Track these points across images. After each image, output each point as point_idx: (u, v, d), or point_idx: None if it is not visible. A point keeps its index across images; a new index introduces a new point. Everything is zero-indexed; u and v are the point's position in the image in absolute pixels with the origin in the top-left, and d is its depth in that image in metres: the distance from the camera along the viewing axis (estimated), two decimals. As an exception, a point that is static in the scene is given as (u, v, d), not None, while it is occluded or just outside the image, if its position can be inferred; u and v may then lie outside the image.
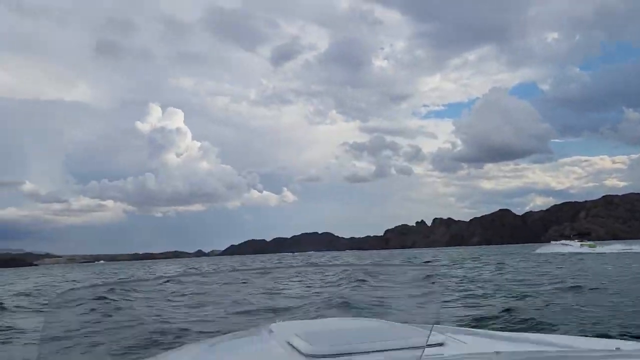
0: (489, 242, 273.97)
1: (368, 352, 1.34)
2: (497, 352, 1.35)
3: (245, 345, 1.95)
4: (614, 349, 1.41)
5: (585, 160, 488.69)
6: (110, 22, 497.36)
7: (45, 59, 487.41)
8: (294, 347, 1.48)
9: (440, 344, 1.48)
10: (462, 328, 2.41)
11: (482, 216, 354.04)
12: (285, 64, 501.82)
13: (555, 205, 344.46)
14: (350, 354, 1.33)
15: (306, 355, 1.37)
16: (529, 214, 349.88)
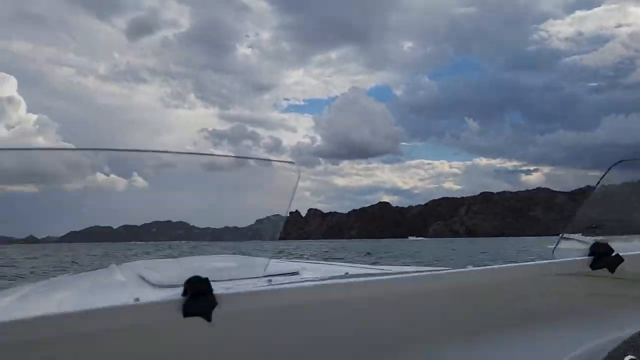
0: (369, 235, 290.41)
1: (224, 280, 1.38)
2: (347, 273, 1.62)
3: (90, 281, 1.94)
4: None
5: (428, 164, 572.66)
6: None
7: None
8: (144, 279, 1.50)
9: (295, 273, 1.70)
10: (318, 261, 2.76)
11: (362, 208, 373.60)
12: (142, 39, 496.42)
13: (434, 200, 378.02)
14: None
15: (155, 286, 1.39)
16: (409, 208, 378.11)
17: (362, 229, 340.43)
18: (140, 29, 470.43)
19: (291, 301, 0.98)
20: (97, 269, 2.10)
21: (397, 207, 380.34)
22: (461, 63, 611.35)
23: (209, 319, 0.88)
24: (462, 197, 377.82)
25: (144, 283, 1.47)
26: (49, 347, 0.81)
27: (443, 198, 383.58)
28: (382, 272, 1.72)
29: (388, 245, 55.12)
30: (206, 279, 0.89)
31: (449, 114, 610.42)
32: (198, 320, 0.87)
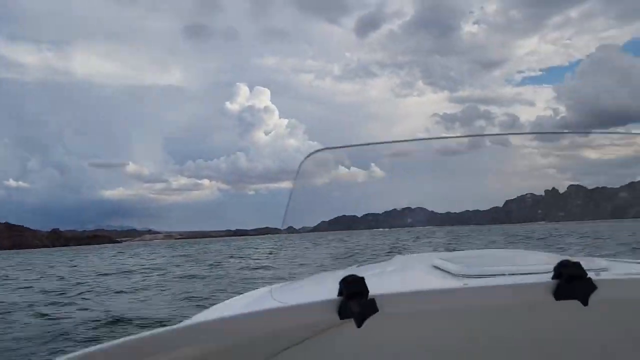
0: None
1: (517, 274, 1.31)
2: None
3: (389, 269, 2.03)
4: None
5: None
6: (197, 4, 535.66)
7: (140, 45, 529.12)
8: (442, 269, 1.51)
9: (604, 269, 1.39)
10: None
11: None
12: (370, 35, 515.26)
13: None
14: (501, 275, 1.32)
15: (456, 276, 1.39)
16: None
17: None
18: (367, 25, 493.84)
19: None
20: (381, 261, 2.34)
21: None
22: None
23: (358, 324, 0.87)
24: None
25: (443, 273, 1.48)
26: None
27: None
28: None
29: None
30: (362, 279, 0.87)
31: None
32: (352, 323, 0.88)
